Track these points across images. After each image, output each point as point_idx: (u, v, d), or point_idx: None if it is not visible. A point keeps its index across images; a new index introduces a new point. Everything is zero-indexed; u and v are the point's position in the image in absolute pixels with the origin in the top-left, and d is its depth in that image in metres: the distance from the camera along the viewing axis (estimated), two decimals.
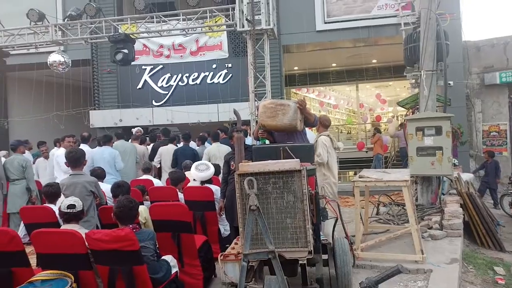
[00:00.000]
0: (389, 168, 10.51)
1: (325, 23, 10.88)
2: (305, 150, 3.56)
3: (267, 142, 4.64)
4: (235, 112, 4.00)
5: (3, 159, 6.60)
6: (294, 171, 2.73)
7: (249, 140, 6.94)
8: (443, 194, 6.19)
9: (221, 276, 3.04)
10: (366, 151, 12.94)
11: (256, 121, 7.14)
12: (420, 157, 5.74)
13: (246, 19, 7.44)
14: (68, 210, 3.09)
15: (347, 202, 7.98)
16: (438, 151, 5.61)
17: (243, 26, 7.56)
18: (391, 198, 6.80)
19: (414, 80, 7.27)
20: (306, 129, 4.73)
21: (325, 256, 3.67)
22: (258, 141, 4.98)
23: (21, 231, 4.39)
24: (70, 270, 2.58)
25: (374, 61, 14.27)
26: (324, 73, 15.11)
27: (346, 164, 12.19)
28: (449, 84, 7.40)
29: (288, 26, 10.84)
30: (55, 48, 8.43)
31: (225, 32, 10.58)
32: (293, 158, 3.15)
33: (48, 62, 8.21)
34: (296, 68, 14.67)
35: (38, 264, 3.15)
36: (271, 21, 7.69)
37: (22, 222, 4.29)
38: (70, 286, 2.41)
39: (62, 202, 3.21)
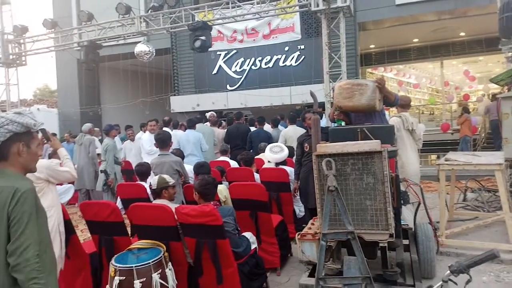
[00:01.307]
0: (478, 151, 9.62)
1: None
2: (384, 131, 3.40)
3: (343, 124, 4.54)
4: (312, 94, 3.96)
5: (96, 141, 7.39)
6: (375, 152, 2.66)
7: (323, 122, 6.85)
8: None
9: (299, 254, 3.10)
10: (452, 133, 11.97)
11: (331, 103, 6.99)
12: None
13: None
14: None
15: (428, 187, 7.53)
16: None
17: (317, 5, 7.37)
18: (480, 184, 6.26)
19: (510, 54, 6.50)
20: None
21: (405, 241, 3.56)
22: (333, 123, 4.89)
23: (118, 205, 4.90)
24: (162, 240, 2.84)
25: (462, 34, 13.00)
26: (404, 50, 14.18)
27: (428, 147, 11.42)
28: None
29: (365, 1, 10.32)
30: (140, 39, 9.07)
31: (298, 13, 10.43)
32: (372, 140, 3.06)
33: (135, 52, 8.88)
34: (372, 46, 13.97)
35: (132, 235, 3.52)
36: None
37: (119, 197, 4.78)
38: (162, 255, 2.65)
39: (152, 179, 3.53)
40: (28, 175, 1.87)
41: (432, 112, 16.64)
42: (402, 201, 3.12)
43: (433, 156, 11.61)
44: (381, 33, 12.00)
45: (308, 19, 11.15)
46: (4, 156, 1.76)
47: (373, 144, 2.71)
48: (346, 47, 7.78)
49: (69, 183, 6.92)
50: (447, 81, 16.34)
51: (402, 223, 3.40)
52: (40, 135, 2.93)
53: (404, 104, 4.73)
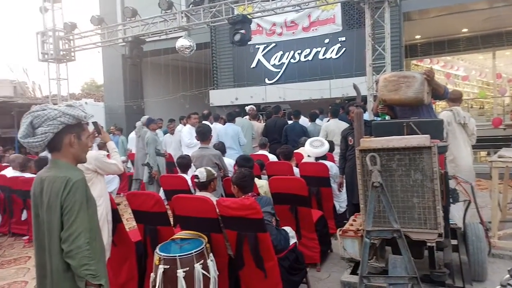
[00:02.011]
0: None
1: None
2: (433, 125, 3.23)
3: (387, 118, 4.38)
4: (355, 87, 3.84)
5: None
6: (423, 147, 2.53)
7: (365, 116, 6.66)
8: None
9: (340, 251, 3.04)
10: (504, 128, 11.21)
11: (374, 97, 6.78)
12: None
13: None
14: (195, 180, 3.47)
15: (478, 185, 7.13)
16: None
17: None
18: None
19: None
20: None
21: (453, 242, 3.38)
22: (377, 117, 4.74)
23: (161, 195, 5.04)
24: (204, 232, 2.88)
25: None
26: (452, 41, 13.42)
27: (478, 143, 10.76)
28: None
29: None
30: (181, 34, 9.23)
31: (339, 4, 10.14)
32: (419, 134, 2.91)
33: (176, 47, 9.05)
34: (418, 37, 13.36)
35: (174, 225, 3.61)
36: None
37: (161, 188, 4.91)
38: (204, 245, 2.69)
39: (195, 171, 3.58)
40: (78, 165, 1.95)
41: (482, 106, 15.67)
42: (451, 199, 2.97)
43: (483, 153, 10.96)
44: (428, 23, 11.43)
45: (350, 10, 10.82)
46: (57, 147, 1.85)
47: (422, 139, 2.58)
48: (390, 38, 7.47)
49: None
50: (500, 73, 15.27)
51: (450, 222, 3.23)
52: (91, 127, 3.07)
53: (454, 98, 4.50)
